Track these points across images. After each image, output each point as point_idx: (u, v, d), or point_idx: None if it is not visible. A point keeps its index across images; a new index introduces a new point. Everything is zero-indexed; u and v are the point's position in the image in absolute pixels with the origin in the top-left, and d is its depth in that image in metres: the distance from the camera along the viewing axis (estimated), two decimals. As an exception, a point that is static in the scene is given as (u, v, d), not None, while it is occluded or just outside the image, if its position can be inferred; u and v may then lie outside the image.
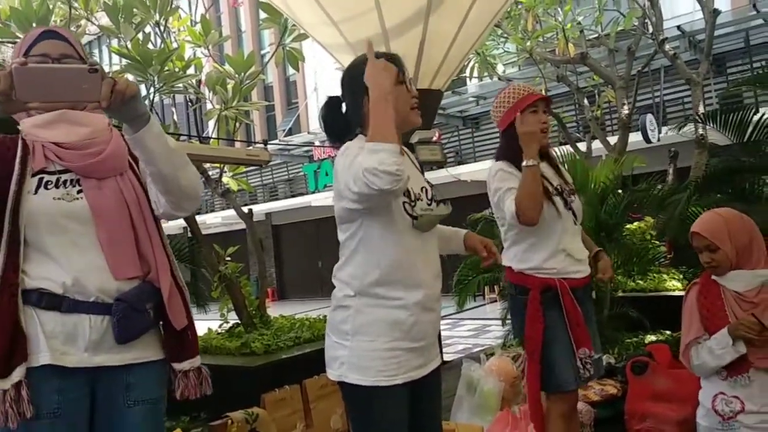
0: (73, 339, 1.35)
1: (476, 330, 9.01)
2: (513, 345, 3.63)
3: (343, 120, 1.75)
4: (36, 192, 1.38)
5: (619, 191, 4.49)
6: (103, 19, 5.11)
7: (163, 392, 1.49)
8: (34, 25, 3.96)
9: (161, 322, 1.48)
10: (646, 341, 3.94)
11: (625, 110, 6.93)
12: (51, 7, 4.40)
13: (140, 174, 1.49)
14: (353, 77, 1.70)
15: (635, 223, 4.93)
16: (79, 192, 1.40)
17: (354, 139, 1.69)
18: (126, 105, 1.28)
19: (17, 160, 1.38)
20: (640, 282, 4.69)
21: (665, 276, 4.73)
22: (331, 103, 1.77)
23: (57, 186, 1.40)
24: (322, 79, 16.37)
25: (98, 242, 1.38)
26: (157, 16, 4.95)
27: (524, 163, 2.14)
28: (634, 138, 8.73)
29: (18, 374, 1.29)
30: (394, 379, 1.60)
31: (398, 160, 1.47)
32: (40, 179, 1.39)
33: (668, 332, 4.11)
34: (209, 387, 1.52)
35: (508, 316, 4.49)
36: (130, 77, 4.78)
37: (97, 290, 1.37)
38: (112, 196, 1.42)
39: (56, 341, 1.34)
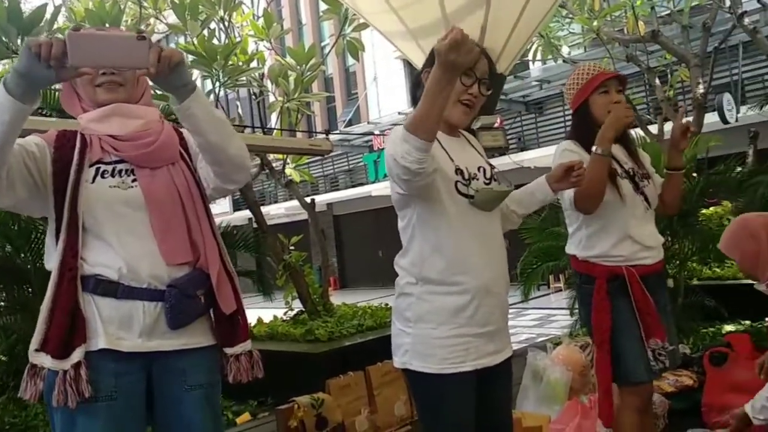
0: (128, 324, 1.39)
1: (541, 319, 8.85)
2: (580, 334, 3.54)
3: None
4: (93, 181, 1.43)
5: (694, 174, 4.27)
6: (171, 17, 5.28)
7: (218, 377, 1.52)
8: (107, 25, 4.14)
9: (211, 309, 1.51)
10: (724, 331, 3.76)
11: (701, 89, 6.58)
12: (122, 7, 4.59)
13: (191, 163, 1.54)
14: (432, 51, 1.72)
15: (712, 208, 4.69)
16: (133, 181, 1.46)
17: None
18: (172, 72, 1.31)
19: (76, 151, 1.44)
20: (717, 270, 4.47)
21: (745, 263, 4.47)
22: (418, 78, 1.76)
23: (113, 175, 1.45)
24: (381, 69, 16.39)
25: (151, 229, 1.43)
26: (221, 12, 5.08)
27: (593, 149, 2.05)
28: (711, 119, 8.28)
29: (77, 355, 1.33)
30: (461, 366, 1.58)
31: (422, 157, 1.42)
32: (97, 169, 1.45)
33: (748, 322, 3.90)
34: (260, 370, 1.54)
35: (576, 306, 4.38)
36: (196, 72, 4.93)
37: (150, 276, 1.41)
38: (165, 184, 1.47)
39: (112, 326, 1.38)
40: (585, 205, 2.08)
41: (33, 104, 1.29)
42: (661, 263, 2.21)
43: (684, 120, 2.39)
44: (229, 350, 1.51)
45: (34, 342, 1.36)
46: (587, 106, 2.17)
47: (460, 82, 1.62)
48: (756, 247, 2.14)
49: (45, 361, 1.34)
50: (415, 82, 1.76)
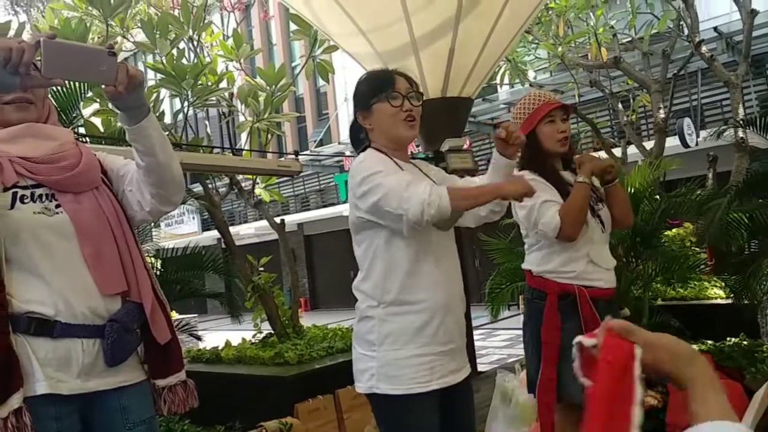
0: (67, 365, 1.31)
1: (510, 340, 8.88)
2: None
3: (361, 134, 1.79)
4: (12, 207, 1.31)
5: (656, 197, 4.38)
6: (138, 36, 5.24)
7: (153, 411, 1.46)
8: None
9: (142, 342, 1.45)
10: (688, 351, 3.82)
11: (662, 114, 6.79)
12: (88, 25, 4.54)
13: (114, 188, 1.47)
14: (355, 92, 1.79)
15: (674, 230, 4.80)
16: (57, 207, 1.35)
17: (366, 150, 1.70)
18: (135, 91, 1.28)
19: None
20: (681, 290, 4.55)
21: (707, 284, 4.58)
22: (356, 123, 1.80)
23: (33, 200, 1.34)
24: (352, 90, 16.46)
25: (82, 258, 1.34)
26: (190, 32, 5.06)
27: (577, 179, 2.12)
28: (672, 143, 8.51)
29: (17, 400, 1.23)
30: (428, 385, 1.58)
31: (435, 221, 1.54)
32: (14, 194, 1.33)
33: (710, 342, 3.98)
34: (196, 400, 1.49)
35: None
36: (164, 91, 4.89)
37: (87, 310, 1.33)
38: (93, 211, 1.38)
39: (50, 368, 1.29)
40: (570, 232, 2.10)
41: None
42: (612, 290, 2.23)
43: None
44: (161, 382, 1.44)
45: None
46: (535, 136, 2.19)
47: (391, 107, 1.67)
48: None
49: None
50: (355, 126, 1.80)
